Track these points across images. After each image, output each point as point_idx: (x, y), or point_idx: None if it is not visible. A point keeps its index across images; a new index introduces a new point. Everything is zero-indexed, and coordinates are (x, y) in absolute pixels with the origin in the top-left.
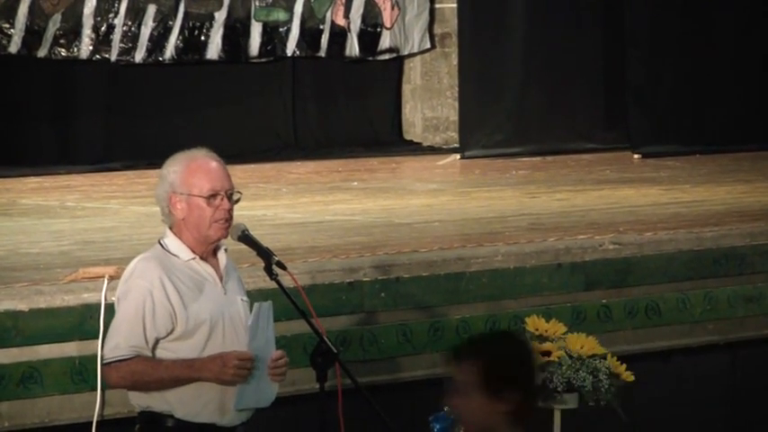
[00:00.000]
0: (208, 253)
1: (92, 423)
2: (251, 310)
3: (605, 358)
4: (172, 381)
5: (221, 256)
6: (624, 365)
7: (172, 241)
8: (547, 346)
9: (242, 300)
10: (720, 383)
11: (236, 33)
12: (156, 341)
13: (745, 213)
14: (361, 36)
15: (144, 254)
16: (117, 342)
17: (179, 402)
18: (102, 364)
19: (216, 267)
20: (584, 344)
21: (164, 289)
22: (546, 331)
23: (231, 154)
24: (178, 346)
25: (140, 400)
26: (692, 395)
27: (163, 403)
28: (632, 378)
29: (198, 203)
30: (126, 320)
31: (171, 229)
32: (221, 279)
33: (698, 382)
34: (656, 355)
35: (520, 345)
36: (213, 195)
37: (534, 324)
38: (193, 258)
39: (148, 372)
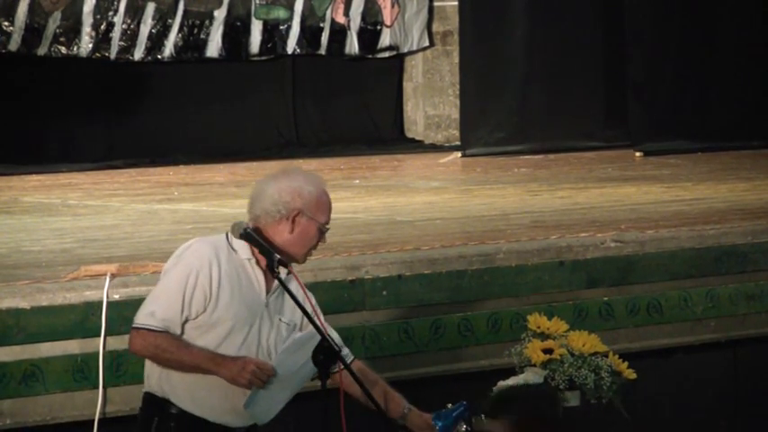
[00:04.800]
0: (267, 265)
1: (93, 421)
2: (288, 333)
3: (607, 356)
4: (191, 366)
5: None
6: (626, 363)
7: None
8: (549, 343)
9: (281, 320)
10: (722, 381)
11: (236, 31)
12: (186, 320)
13: (746, 211)
14: (361, 34)
15: (205, 236)
16: (153, 310)
17: (184, 390)
18: (132, 327)
19: (268, 280)
20: (585, 342)
21: (209, 273)
22: (548, 329)
23: (232, 152)
24: (196, 336)
25: (151, 381)
26: (694, 393)
27: (167, 387)
28: (634, 376)
29: (315, 231)
30: (167, 292)
31: None
32: (267, 292)
33: (699, 379)
34: (658, 353)
35: (550, 401)
36: (326, 229)
37: (536, 322)
38: (249, 259)
39: (171, 350)
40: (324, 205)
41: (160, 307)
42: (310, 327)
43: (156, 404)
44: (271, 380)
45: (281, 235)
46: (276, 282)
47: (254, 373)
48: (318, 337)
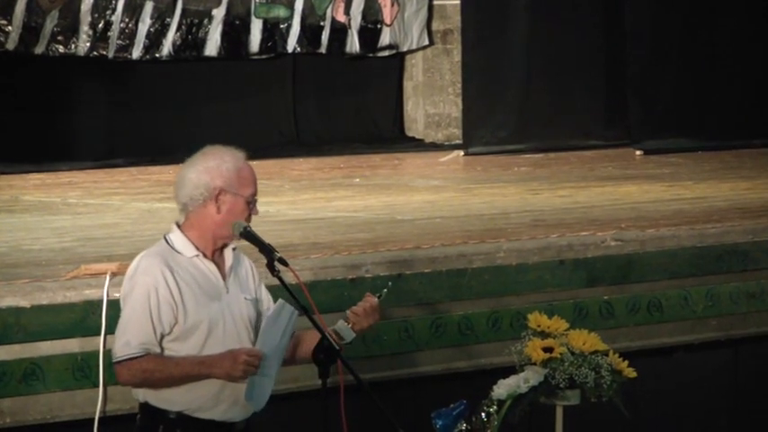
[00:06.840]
0: (213, 251)
1: (93, 419)
2: (255, 307)
3: (607, 355)
4: (182, 378)
5: (228, 254)
6: (626, 362)
7: (177, 237)
8: (549, 342)
9: (245, 298)
10: (723, 380)
11: (235, 30)
12: (162, 337)
13: (747, 210)
14: (362, 33)
15: (148, 250)
16: (127, 340)
17: (178, 397)
18: (114, 363)
19: (220, 266)
20: (586, 340)
21: (167, 285)
22: (548, 328)
23: None
24: (178, 347)
25: (139, 393)
26: (695, 391)
27: (160, 399)
28: (634, 374)
29: (242, 205)
30: (133, 318)
31: (179, 224)
32: (224, 277)
33: (700, 378)
34: (659, 352)
35: None
36: (254, 200)
37: (536, 320)
38: (197, 255)
39: (159, 369)
40: (245, 178)
41: (133, 334)
42: (262, 288)
43: (155, 412)
44: (262, 363)
45: (212, 217)
46: (227, 265)
47: (247, 362)
48: (288, 306)
